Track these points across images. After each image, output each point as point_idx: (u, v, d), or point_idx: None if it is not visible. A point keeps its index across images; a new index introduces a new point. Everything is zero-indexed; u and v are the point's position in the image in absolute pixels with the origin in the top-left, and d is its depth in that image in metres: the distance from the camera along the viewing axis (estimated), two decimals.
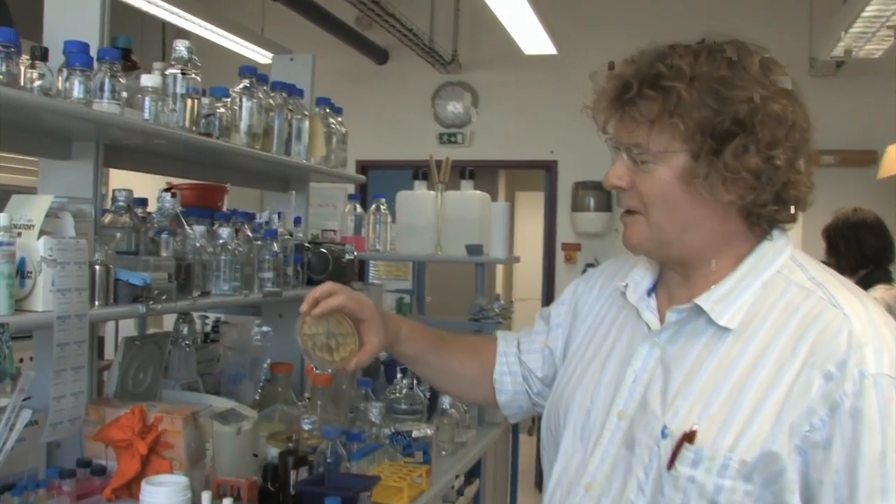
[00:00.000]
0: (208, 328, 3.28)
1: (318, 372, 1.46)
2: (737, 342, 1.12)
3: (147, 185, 2.97)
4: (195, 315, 3.40)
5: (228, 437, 2.03)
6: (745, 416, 1.07)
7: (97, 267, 1.80)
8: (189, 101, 2.07)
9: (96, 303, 1.79)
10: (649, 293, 1.27)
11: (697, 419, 1.09)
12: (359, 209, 3.45)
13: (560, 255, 6.37)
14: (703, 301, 1.15)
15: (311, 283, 2.80)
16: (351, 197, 3.47)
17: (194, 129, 2.10)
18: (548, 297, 6.38)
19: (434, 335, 1.52)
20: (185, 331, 2.48)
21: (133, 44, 2.14)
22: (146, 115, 1.92)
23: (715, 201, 1.13)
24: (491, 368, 1.51)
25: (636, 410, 1.17)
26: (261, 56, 5.34)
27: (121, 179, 3.78)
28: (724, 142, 1.09)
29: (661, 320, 1.22)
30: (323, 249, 2.87)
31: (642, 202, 1.17)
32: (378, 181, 5.44)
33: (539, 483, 6.25)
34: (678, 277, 1.23)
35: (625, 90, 1.16)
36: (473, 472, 2.88)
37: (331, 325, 1.37)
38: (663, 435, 1.11)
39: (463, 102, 6.54)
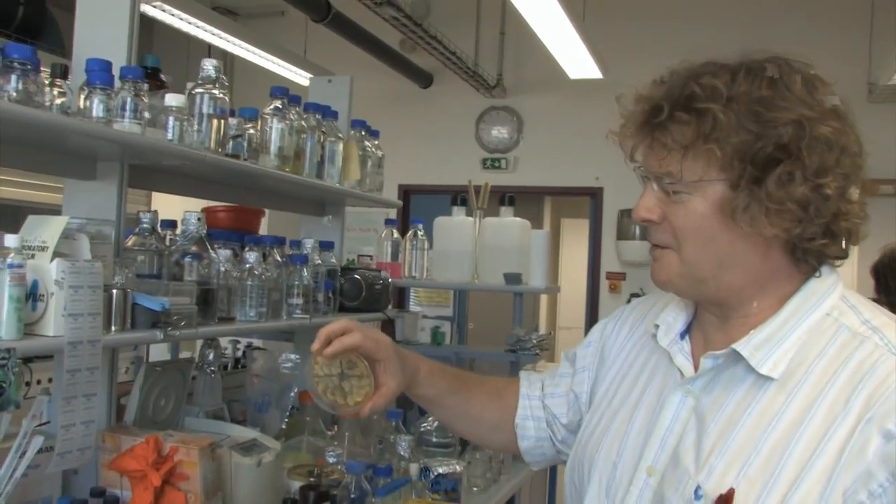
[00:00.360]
0: (240, 353, 3.23)
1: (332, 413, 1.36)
2: (780, 393, 1.01)
3: (189, 209, 2.93)
4: (227, 340, 3.37)
5: (248, 469, 1.95)
6: (791, 478, 0.95)
7: (114, 291, 1.74)
8: (215, 122, 2.02)
9: (113, 328, 1.73)
10: (682, 336, 1.16)
11: (735, 479, 0.98)
12: (395, 234, 3.38)
13: (605, 284, 6.24)
14: (742, 346, 1.04)
15: (344, 310, 2.73)
16: (388, 222, 3.40)
17: (220, 150, 2.05)
18: (590, 326, 6.23)
19: (454, 376, 1.42)
20: (211, 356, 2.42)
21: (177, 67, 2.09)
22: (169, 136, 1.87)
23: (756, 235, 1.02)
24: (513, 412, 1.41)
25: (667, 466, 1.07)
26: (302, 79, 5.32)
27: (165, 202, 3.77)
28: (767, 169, 0.98)
29: (696, 366, 1.11)
30: (356, 276, 2.80)
31: (675, 236, 1.06)
32: (420, 206, 5.38)
33: None
34: (715, 319, 1.12)
35: (654, 113, 1.05)
36: None
37: (344, 365, 1.28)
38: (696, 496, 1.00)
39: (507, 127, 6.47)
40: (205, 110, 2.01)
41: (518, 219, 3.41)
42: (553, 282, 3.75)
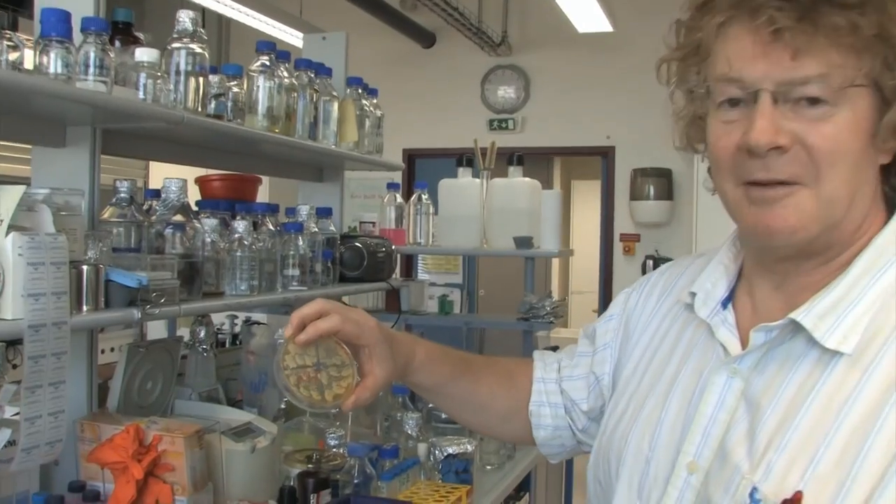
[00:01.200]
0: (238, 329, 3.08)
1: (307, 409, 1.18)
2: (852, 371, 0.82)
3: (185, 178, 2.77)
4: (224, 316, 3.21)
5: (241, 455, 1.80)
6: (873, 478, 0.77)
7: (85, 267, 1.58)
8: (194, 80, 1.84)
9: (84, 308, 1.57)
10: (724, 304, 0.97)
11: (801, 480, 0.80)
12: (399, 199, 3.21)
13: (618, 246, 6.05)
14: (803, 315, 0.85)
15: (344, 280, 2.57)
16: (390, 186, 3.22)
17: (201, 111, 1.87)
18: (605, 291, 6.07)
19: (457, 359, 1.23)
20: (203, 334, 2.27)
21: (164, 30, 1.90)
22: (141, 94, 1.69)
23: (876, 162, 0.85)
24: (526, 398, 1.22)
25: (712, 463, 0.89)
26: (299, 41, 5.12)
27: (163, 173, 3.60)
28: None
29: (743, 341, 0.93)
30: (357, 244, 2.64)
31: (814, 165, 0.83)
32: (426, 170, 5.20)
33: None
34: (767, 282, 0.94)
35: None
36: (522, 486, 2.62)
37: (322, 354, 1.09)
38: (753, 500, 0.82)
39: (514, 86, 6.26)
40: (182, 67, 1.83)
41: (528, 179, 3.23)
42: (565, 245, 3.56)
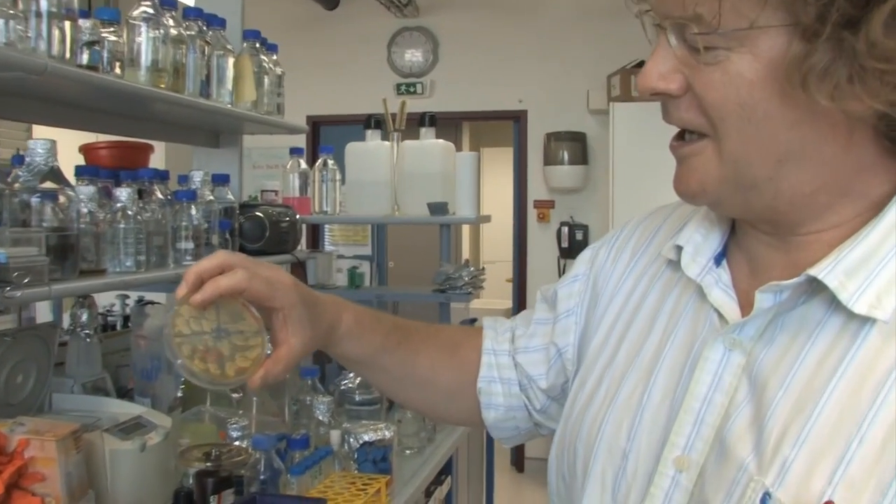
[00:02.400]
0: (129, 310, 2.82)
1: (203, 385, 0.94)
2: (889, 343, 0.65)
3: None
4: (114, 296, 2.94)
5: (128, 455, 1.58)
6: None
7: None
8: (59, 24, 1.58)
9: None
10: (717, 261, 0.80)
11: (828, 485, 0.62)
12: (303, 165, 2.98)
13: (532, 213, 5.92)
14: (826, 272, 0.68)
15: (245, 252, 2.34)
16: (293, 151, 2.99)
17: (69, 58, 1.62)
18: (519, 259, 5.95)
19: (392, 326, 1.03)
20: (85, 317, 2.02)
21: None
22: None
23: (836, 112, 0.65)
24: (474, 372, 1.03)
25: (708, 458, 0.71)
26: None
27: (47, 136, 3.26)
28: (868, 5, 0.61)
29: (743, 305, 0.76)
30: (258, 213, 2.42)
31: (707, 117, 0.70)
32: (331, 138, 4.94)
33: (517, 462, 5.87)
34: (767, 237, 0.76)
35: None
36: (445, 470, 2.46)
37: (223, 318, 0.87)
38: None
39: (422, 49, 6.04)
40: (44, 7, 1.57)
41: (441, 141, 3.04)
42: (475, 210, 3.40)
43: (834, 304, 0.68)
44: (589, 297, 0.95)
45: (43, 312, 2.95)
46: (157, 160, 3.22)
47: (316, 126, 5.92)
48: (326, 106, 5.94)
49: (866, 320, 0.66)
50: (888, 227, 0.68)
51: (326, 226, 5.93)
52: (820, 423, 0.64)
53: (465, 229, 8.18)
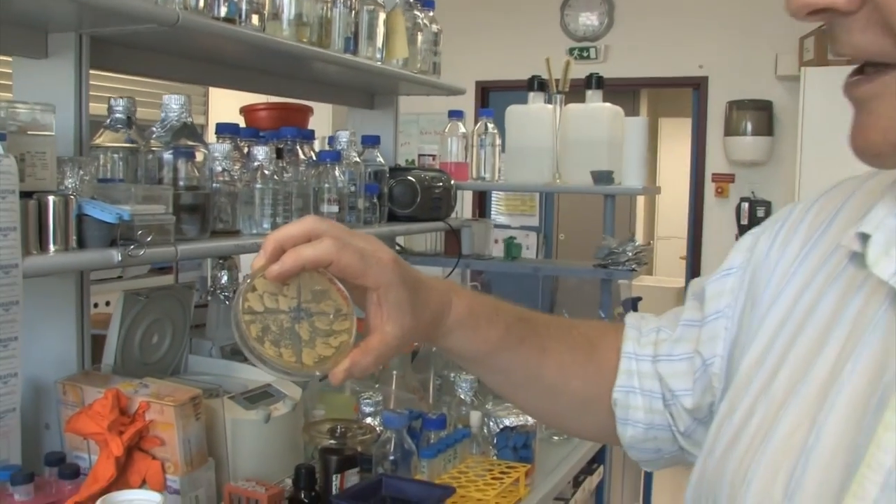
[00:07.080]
0: None
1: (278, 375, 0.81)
2: None
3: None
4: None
5: (251, 426, 1.52)
6: None
7: (51, 199, 1.28)
8: None
9: (52, 248, 1.28)
10: None
11: None
12: (462, 129, 2.85)
13: (710, 187, 5.56)
14: None
15: (394, 218, 2.25)
16: (452, 114, 2.86)
17: (204, 9, 1.55)
18: (694, 237, 5.61)
19: (513, 318, 0.84)
20: (225, 279, 1.98)
21: None
22: None
23: None
24: (610, 379, 0.84)
25: None
26: None
27: (224, 100, 3.28)
28: None
29: None
30: (410, 177, 2.31)
31: (892, 35, 0.50)
32: (500, 104, 4.81)
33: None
34: None
35: None
36: (596, 458, 2.28)
37: (305, 295, 0.74)
38: None
39: (597, 12, 5.77)
40: None
41: (608, 105, 2.82)
42: (651, 183, 3.15)
43: None
44: (745, 297, 0.74)
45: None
46: (322, 124, 3.19)
47: (485, 91, 5.80)
48: (496, 71, 5.80)
49: None
50: None
51: (493, 195, 5.81)
52: None
53: (641, 202, 7.83)
